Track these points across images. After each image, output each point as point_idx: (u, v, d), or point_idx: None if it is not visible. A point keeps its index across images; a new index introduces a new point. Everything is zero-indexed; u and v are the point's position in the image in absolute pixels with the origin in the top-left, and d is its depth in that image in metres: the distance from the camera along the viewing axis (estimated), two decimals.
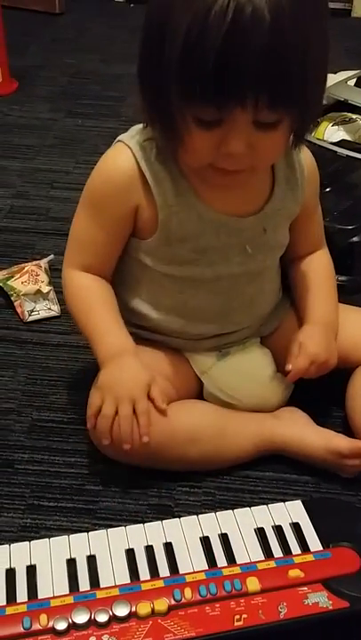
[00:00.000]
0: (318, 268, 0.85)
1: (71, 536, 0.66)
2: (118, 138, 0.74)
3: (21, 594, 0.60)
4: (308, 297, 0.83)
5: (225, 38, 0.56)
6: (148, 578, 0.62)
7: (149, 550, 0.65)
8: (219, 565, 0.64)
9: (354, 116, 1.28)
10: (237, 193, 0.73)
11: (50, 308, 1.05)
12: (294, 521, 0.68)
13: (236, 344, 0.83)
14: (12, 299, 1.06)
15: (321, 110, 0.67)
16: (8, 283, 1.07)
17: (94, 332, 0.76)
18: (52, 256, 1.15)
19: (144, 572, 0.63)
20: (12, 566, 0.63)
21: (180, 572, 0.63)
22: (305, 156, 0.78)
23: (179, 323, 0.80)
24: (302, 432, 0.79)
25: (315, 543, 0.66)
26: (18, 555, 0.64)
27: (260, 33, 0.55)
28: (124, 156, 0.72)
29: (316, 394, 0.86)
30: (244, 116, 0.60)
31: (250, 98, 0.58)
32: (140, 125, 0.73)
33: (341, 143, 1.18)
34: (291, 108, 0.61)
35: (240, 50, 0.56)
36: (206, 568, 0.63)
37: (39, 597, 0.60)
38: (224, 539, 0.66)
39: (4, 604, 0.60)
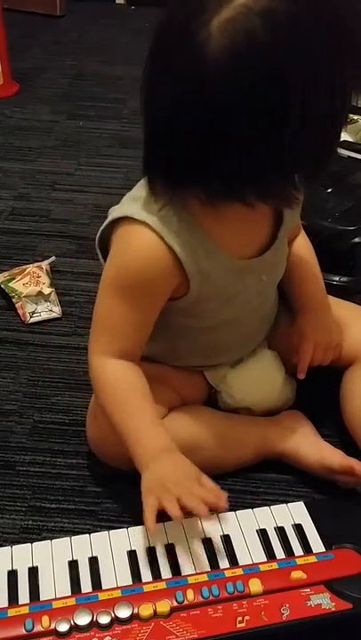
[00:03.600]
0: (301, 252, 0.83)
1: (73, 538, 0.66)
2: (126, 213, 0.67)
3: (23, 595, 0.60)
4: (297, 284, 0.82)
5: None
6: (150, 579, 0.62)
7: (151, 552, 0.64)
8: (221, 567, 0.63)
9: (355, 117, 1.28)
10: (248, 232, 0.71)
11: (51, 310, 1.05)
12: (297, 522, 0.68)
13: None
14: (14, 300, 1.06)
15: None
16: (9, 284, 1.08)
17: (132, 434, 0.70)
18: (53, 258, 1.15)
19: (146, 574, 0.63)
20: (14, 568, 0.63)
21: (183, 573, 0.63)
22: None
23: (198, 360, 0.80)
24: (299, 444, 0.79)
25: (317, 544, 0.66)
26: (20, 556, 0.64)
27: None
28: (149, 237, 0.66)
29: (320, 394, 0.86)
30: None
31: None
32: (138, 192, 0.68)
33: (343, 144, 1.18)
34: None
35: None
36: (208, 570, 0.63)
37: (41, 599, 0.60)
38: (226, 540, 0.66)
39: (6, 605, 0.60)
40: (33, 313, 1.04)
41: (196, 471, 0.68)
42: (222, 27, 0.54)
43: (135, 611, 0.59)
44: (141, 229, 0.66)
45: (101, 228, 0.72)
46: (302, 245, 0.83)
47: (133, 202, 0.68)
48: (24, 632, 0.58)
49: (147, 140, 0.62)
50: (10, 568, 0.62)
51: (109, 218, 0.70)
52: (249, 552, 0.65)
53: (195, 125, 0.56)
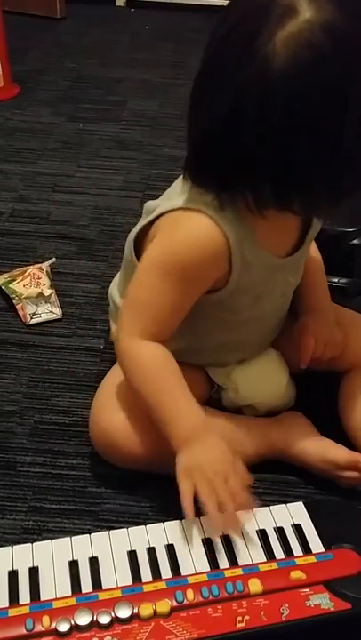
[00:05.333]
0: (313, 255, 0.85)
1: (73, 538, 0.66)
2: (180, 204, 0.68)
3: (24, 595, 0.61)
4: (307, 285, 0.84)
5: None
6: (150, 579, 0.62)
7: (151, 552, 0.65)
8: (221, 567, 0.64)
9: None
10: (283, 233, 0.73)
11: (52, 311, 1.05)
12: (296, 522, 0.68)
13: None
14: (14, 302, 1.06)
15: None
16: (10, 286, 1.08)
17: (169, 412, 0.70)
18: (53, 259, 1.15)
19: (146, 574, 0.63)
20: (15, 568, 0.63)
21: (182, 573, 0.63)
22: None
23: (213, 357, 0.81)
24: (301, 440, 0.80)
25: (316, 545, 0.66)
26: (20, 556, 0.64)
27: None
28: (205, 223, 0.67)
29: (319, 398, 0.86)
30: None
31: None
32: (184, 187, 0.69)
33: None
34: None
35: None
36: (208, 570, 0.63)
37: (42, 599, 0.60)
38: (226, 540, 0.66)
39: (7, 605, 0.60)
40: (33, 314, 1.04)
41: (230, 457, 0.69)
42: (287, 41, 0.55)
43: (135, 610, 0.59)
44: (198, 215, 0.67)
45: (144, 222, 0.73)
46: (313, 249, 0.85)
47: (182, 195, 0.69)
48: (24, 632, 0.58)
49: (197, 148, 0.63)
50: (10, 568, 0.63)
51: (158, 211, 0.71)
52: (248, 552, 0.65)
53: (254, 137, 0.58)
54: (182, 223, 0.68)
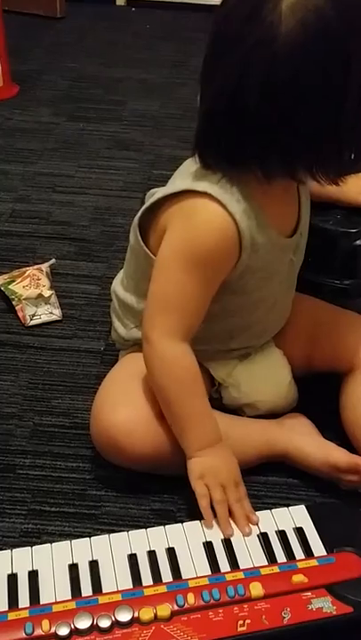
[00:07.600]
0: None
1: (73, 541, 0.66)
2: (186, 187, 0.68)
3: (23, 599, 0.60)
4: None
5: None
6: (151, 583, 0.62)
7: (152, 555, 0.65)
8: (222, 571, 0.63)
9: None
10: (286, 212, 0.75)
11: (51, 313, 1.05)
12: (298, 526, 0.68)
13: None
14: (14, 303, 1.06)
15: None
16: (9, 287, 1.07)
17: (189, 423, 0.72)
18: (53, 260, 1.15)
19: (147, 578, 0.63)
20: (14, 571, 0.63)
21: (183, 577, 0.63)
22: None
23: (224, 345, 0.81)
24: (303, 442, 0.79)
25: (318, 548, 0.66)
26: (20, 560, 0.64)
27: None
28: (215, 209, 0.67)
29: (320, 398, 0.86)
30: None
31: None
32: (190, 168, 0.70)
33: None
34: None
35: None
36: (209, 573, 0.63)
37: (41, 603, 0.60)
38: (227, 544, 0.66)
39: (6, 609, 0.60)
40: (33, 315, 1.04)
41: (237, 464, 0.73)
42: (294, 7, 0.58)
43: (136, 614, 0.59)
44: (205, 202, 0.67)
45: (147, 205, 0.73)
46: None
47: (188, 176, 0.70)
48: (24, 636, 0.58)
49: (206, 119, 0.65)
50: (10, 571, 0.63)
51: (160, 194, 0.71)
52: (250, 556, 0.65)
53: (262, 103, 0.60)
54: (194, 211, 0.69)
